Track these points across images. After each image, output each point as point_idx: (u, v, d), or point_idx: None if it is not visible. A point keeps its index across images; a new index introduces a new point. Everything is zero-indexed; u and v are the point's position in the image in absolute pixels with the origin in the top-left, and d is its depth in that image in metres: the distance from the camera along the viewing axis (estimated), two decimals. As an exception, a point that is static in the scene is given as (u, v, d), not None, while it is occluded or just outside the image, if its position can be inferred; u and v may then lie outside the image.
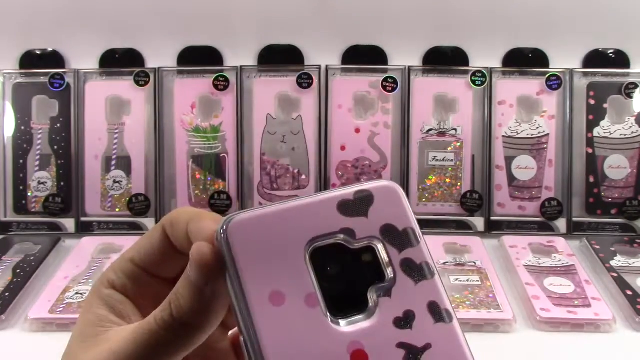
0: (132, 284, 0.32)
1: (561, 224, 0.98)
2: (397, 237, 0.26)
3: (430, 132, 0.99)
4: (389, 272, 0.26)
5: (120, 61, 1.01)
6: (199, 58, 1.01)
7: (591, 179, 0.99)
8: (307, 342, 0.24)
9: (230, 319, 0.28)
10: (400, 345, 0.25)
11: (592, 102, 0.99)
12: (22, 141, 1.00)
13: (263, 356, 0.24)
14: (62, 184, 0.99)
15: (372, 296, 0.26)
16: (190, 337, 0.28)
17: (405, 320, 0.25)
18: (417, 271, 0.26)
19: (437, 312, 0.25)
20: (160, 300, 0.30)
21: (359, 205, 0.26)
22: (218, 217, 0.28)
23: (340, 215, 0.26)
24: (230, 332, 0.33)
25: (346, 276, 0.26)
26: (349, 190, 0.27)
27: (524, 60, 1.01)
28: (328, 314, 0.25)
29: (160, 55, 1.01)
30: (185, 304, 0.28)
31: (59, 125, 1.00)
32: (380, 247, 0.26)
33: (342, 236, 0.26)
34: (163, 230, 0.31)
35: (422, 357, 0.25)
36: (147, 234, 0.33)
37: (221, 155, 1.00)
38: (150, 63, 1.01)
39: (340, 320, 0.25)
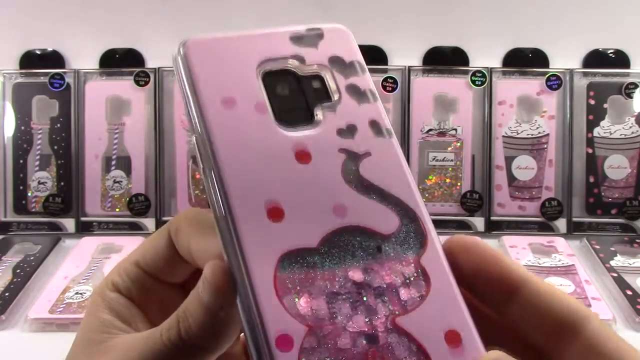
0: (136, 289, 0.31)
1: (561, 224, 0.98)
2: (344, 66, 0.28)
3: (430, 132, 0.99)
4: (335, 94, 0.28)
5: (120, 61, 1.01)
6: (199, 58, 1.01)
7: (591, 179, 0.98)
8: (254, 140, 0.26)
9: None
10: (342, 150, 0.27)
11: (592, 102, 0.99)
12: (22, 141, 1.00)
13: (214, 151, 0.25)
14: (62, 184, 0.99)
15: (318, 112, 0.27)
16: (198, 358, 0.27)
17: (347, 131, 0.27)
18: (361, 95, 0.28)
19: (377, 128, 0.27)
20: (167, 305, 0.29)
21: (310, 38, 0.28)
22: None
23: (292, 45, 0.28)
24: (241, 335, 0.31)
25: (294, 96, 0.28)
26: (301, 26, 0.29)
27: (524, 60, 1.01)
28: (276, 119, 0.27)
29: (160, 55, 1.01)
30: (195, 324, 0.26)
31: (59, 125, 1.00)
32: (327, 73, 0.28)
33: (292, 61, 0.28)
34: (169, 235, 0.30)
35: (361, 161, 0.27)
36: (152, 238, 0.31)
37: (221, 155, 1.00)
38: (150, 63, 1.01)
39: (287, 128, 0.27)
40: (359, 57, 0.28)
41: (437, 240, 0.26)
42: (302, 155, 0.26)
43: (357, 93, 0.28)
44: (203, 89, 0.27)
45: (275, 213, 0.25)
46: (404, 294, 0.24)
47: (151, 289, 0.31)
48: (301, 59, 0.28)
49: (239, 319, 0.26)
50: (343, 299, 0.24)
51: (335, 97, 0.28)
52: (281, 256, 0.24)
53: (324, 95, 0.28)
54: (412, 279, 0.25)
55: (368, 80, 0.28)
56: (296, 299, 0.24)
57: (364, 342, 0.23)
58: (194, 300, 0.27)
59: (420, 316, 0.24)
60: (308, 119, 0.27)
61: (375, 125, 0.27)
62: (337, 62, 0.28)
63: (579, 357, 0.24)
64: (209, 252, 0.26)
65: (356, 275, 0.24)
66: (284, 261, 0.24)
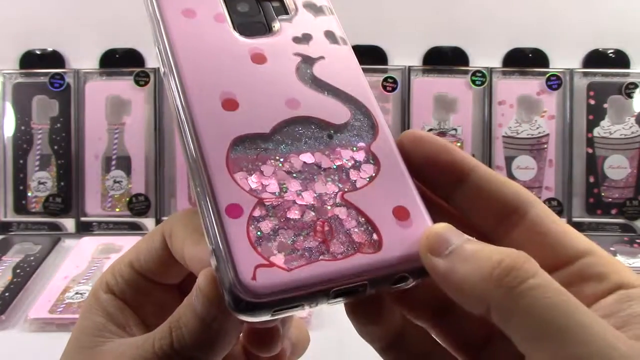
0: (131, 290, 0.30)
1: (561, 224, 0.98)
2: None
3: (430, 132, 0.99)
4: (292, 9, 0.30)
5: (120, 61, 1.01)
6: (199, 58, 1.01)
7: (591, 179, 0.99)
8: (211, 44, 0.28)
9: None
10: (297, 53, 0.28)
11: (592, 102, 0.99)
12: (22, 141, 1.00)
13: (173, 52, 0.27)
14: (62, 183, 1.00)
15: (274, 24, 0.29)
16: None
17: (303, 39, 0.29)
18: (317, 9, 0.30)
19: (332, 37, 0.29)
20: (162, 307, 0.29)
21: None
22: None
23: None
24: (240, 335, 0.30)
25: (253, 11, 0.30)
26: None
27: (524, 60, 1.01)
28: (235, 29, 0.29)
29: (160, 55, 1.01)
30: (189, 335, 0.26)
31: (59, 125, 1.00)
32: None
33: None
34: (163, 237, 0.29)
35: (315, 63, 0.28)
36: (146, 238, 0.31)
37: (221, 155, 1.00)
38: (151, 63, 1.01)
39: (245, 37, 0.29)
40: None
41: (388, 132, 0.27)
42: (258, 57, 0.28)
43: (314, 8, 0.30)
44: (164, 2, 0.29)
45: (230, 104, 0.26)
46: (353, 174, 0.26)
47: (146, 291, 0.31)
48: None
49: (234, 328, 0.26)
50: (293, 177, 0.25)
51: (292, 11, 0.30)
52: (234, 140, 0.26)
53: (281, 11, 0.30)
54: (361, 162, 0.26)
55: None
56: (247, 176, 0.25)
57: (313, 213, 0.25)
58: (187, 309, 0.26)
59: (368, 193, 0.25)
60: (265, 30, 0.29)
61: (330, 35, 0.29)
62: None
63: (524, 237, 0.24)
64: (202, 259, 0.25)
65: (307, 157, 0.26)
66: (237, 144, 0.25)
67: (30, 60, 1.02)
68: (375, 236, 0.24)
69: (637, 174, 0.98)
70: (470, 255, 0.22)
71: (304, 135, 0.26)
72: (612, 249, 0.90)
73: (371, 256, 0.24)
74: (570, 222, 0.97)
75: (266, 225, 0.24)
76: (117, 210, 0.99)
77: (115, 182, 0.99)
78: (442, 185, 0.26)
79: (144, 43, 1.02)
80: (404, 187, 0.26)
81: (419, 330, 0.27)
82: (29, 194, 1.00)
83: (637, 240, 0.94)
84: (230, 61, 0.27)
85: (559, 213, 0.97)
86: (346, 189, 0.25)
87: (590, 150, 0.99)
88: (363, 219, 0.25)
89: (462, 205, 0.26)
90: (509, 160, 0.99)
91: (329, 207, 0.25)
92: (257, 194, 0.25)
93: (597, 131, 0.99)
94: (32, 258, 0.89)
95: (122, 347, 0.28)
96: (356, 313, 0.26)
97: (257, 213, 0.24)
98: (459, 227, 0.24)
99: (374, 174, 0.26)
